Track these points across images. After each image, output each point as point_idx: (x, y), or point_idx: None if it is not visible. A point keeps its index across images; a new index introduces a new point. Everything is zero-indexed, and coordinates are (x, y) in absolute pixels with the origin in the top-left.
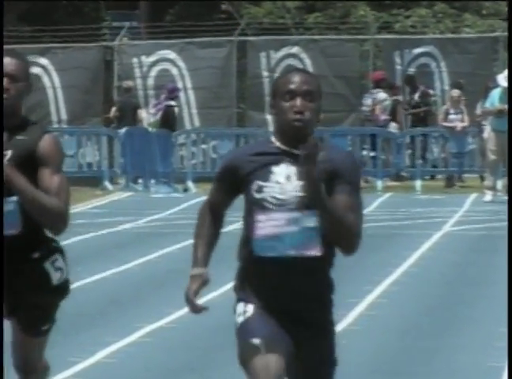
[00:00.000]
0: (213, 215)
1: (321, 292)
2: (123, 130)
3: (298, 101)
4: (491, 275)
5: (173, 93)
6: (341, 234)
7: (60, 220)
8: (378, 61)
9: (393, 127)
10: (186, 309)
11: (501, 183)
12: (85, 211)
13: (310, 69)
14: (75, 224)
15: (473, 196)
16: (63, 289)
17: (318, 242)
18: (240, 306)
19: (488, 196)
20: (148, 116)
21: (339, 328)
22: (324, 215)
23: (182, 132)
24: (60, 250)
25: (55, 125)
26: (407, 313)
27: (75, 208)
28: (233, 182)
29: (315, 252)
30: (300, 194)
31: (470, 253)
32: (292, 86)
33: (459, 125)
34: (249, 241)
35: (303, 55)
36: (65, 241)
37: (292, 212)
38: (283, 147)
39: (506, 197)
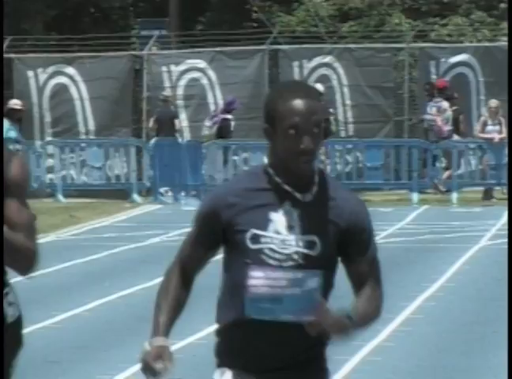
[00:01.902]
0: (183, 276)
1: (313, 355)
2: (152, 141)
3: (306, 140)
4: None
5: (230, 106)
6: (373, 320)
7: (33, 261)
8: (413, 70)
9: (456, 139)
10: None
11: None
12: (113, 224)
13: (343, 78)
14: (103, 238)
15: None
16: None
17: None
18: (217, 374)
19: None
20: (204, 128)
21: (374, 343)
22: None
23: (212, 143)
24: (8, 284)
25: (83, 136)
26: (442, 330)
27: (103, 222)
28: (217, 230)
29: (311, 318)
30: (303, 250)
31: (508, 268)
32: (298, 119)
33: (497, 136)
34: (236, 297)
35: (337, 65)
36: (94, 256)
37: (295, 272)
38: (284, 186)
39: None
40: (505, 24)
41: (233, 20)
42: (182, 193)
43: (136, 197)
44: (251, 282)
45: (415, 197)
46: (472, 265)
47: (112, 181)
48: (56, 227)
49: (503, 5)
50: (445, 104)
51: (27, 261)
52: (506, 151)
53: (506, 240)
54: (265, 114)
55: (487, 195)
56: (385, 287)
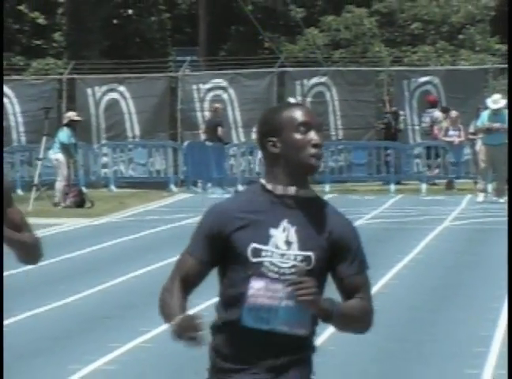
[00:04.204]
0: (184, 291)
1: (303, 373)
2: (186, 143)
3: (315, 134)
4: (483, 260)
5: None
6: (356, 327)
7: (40, 251)
8: (390, 88)
9: None
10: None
11: (491, 186)
12: (155, 209)
13: (335, 94)
14: (146, 220)
15: (468, 197)
16: None
17: (308, 320)
18: None
19: (480, 197)
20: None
21: None
22: (340, 323)
23: (232, 145)
24: None
25: (130, 140)
26: (414, 292)
27: (147, 207)
28: (218, 244)
29: (305, 331)
30: (300, 264)
31: (466, 243)
32: (307, 118)
33: (456, 139)
34: (234, 304)
35: (330, 83)
36: (139, 234)
37: (288, 287)
38: (281, 192)
39: (495, 198)
40: (462, 51)
41: (249, 48)
42: (209, 184)
43: (173, 187)
44: (251, 292)
45: (392, 187)
46: (437, 241)
47: (154, 175)
48: (109, 211)
49: (461, 36)
50: (437, 114)
51: (40, 251)
52: (464, 151)
53: (464, 221)
54: (267, 130)
55: (449, 186)
56: (368, 259)
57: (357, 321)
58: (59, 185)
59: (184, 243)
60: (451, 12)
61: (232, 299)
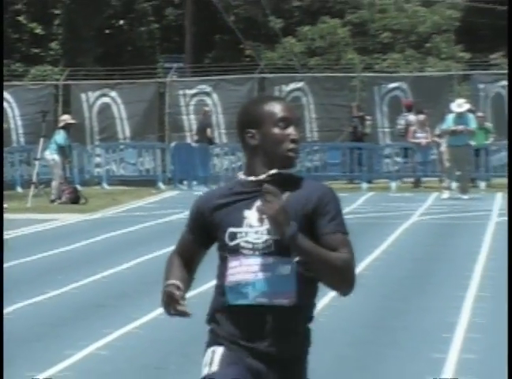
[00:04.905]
0: (183, 262)
1: (294, 345)
2: (173, 144)
3: (293, 129)
4: (448, 253)
5: None
6: (333, 274)
7: None
8: (362, 93)
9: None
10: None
11: (455, 184)
12: (144, 205)
13: (311, 99)
14: (136, 215)
15: (434, 194)
16: None
17: (293, 291)
18: (207, 355)
19: (445, 194)
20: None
21: (331, 294)
22: (307, 259)
23: (216, 146)
24: None
25: (121, 141)
26: (385, 282)
27: (137, 203)
28: (204, 229)
29: (288, 302)
30: (274, 238)
31: (433, 237)
32: (287, 113)
33: (423, 141)
34: (222, 289)
35: (306, 88)
36: (130, 228)
37: (266, 258)
38: (258, 177)
39: (459, 195)
40: (429, 59)
41: (231, 55)
42: (195, 182)
43: (161, 185)
44: (229, 271)
45: (364, 185)
46: (406, 235)
47: (143, 173)
48: (102, 207)
49: (428, 45)
50: (412, 117)
51: None
52: (430, 151)
53: (431, 217)
54: (247, 121)
55: (417, 184)
56: None
57: (335, 269)
58: (55, 183)
59: (171, 237)
60: (419, 22)
61: (219, 283)
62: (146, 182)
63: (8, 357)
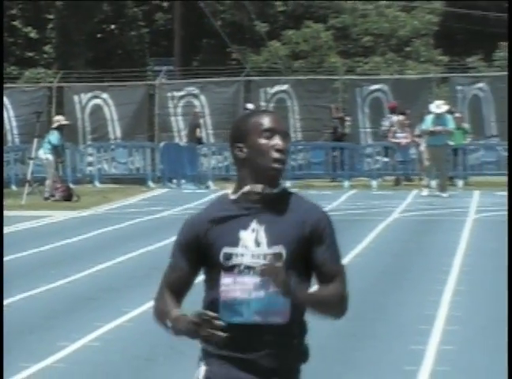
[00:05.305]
0: (175, 298)
1: (287, 358)
2: (162, 144)
3: (279, 139)
4: (427, 248)
5: None
6: (330, 311)
7: None
8: (344, 95)
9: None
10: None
11: (434, 182)
12: (134, 202)
13: (295, 100)
14: (127, 212)
15: (414, 192)
16: None
17: (286, 310)
18: (198, 371)
19: (425, 191)
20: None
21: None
22: (306, 307)
23: (204, 146)
24: None
25: (112, 141)
26: (366, 277)
27: (127, 201)
28: (198, 253)
29: (282, 320)
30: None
31: (412, 233)
32: (272, 124)
33: (403, 141)
34: (213, 306)
35: (291, 90)
36: (121, 224)
37: (260, 277)
38: (248, 189)
39: (438, 193)
40: (409, 62)
41: (218, 59)
42: (183, 181)
43: (150, 183)
44: (222, 288)
45: (346, 183)
46: (387, 231)
47: (133, 172)
48: (94, 204)
49: (408, 49)
50: (395, 118)
51: None
52: (410, 151)
53: (411, 213)
54: (236, 136)
55: (397, 182)
56: None
57: (331, 307)
58: (49, 181)
59: (160, 233)
60: (399, 26)
61: (211, 302)
62: (136, 181)
63: (7, 347)
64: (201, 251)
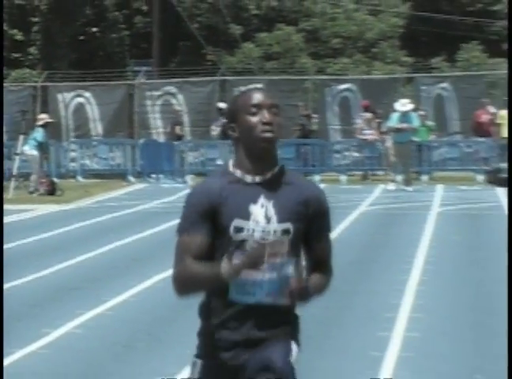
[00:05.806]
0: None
1: (284, 330)
2: (141, 141)
3: (265, 113)
4: (393, 240)
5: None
6: (323, 293)
7: None
8: (315, 94)
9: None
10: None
11: (399, 177)
12: (115, 196)
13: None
14: (108, 206)
15: (381, 186)
16: None
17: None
18: (192, 365)
19: (391, 186)
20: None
21: None
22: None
23: (181, 142)
24: None
25: (94, 138)
26: (335, 267)
27: (108, 195)
28: (213, 220)
29: (286, 300)
30: (280, 238)
31: (379, 225)
32: (257, 100)
33: (370, 137)
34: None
35: (263, 90)
36: (102, 217)
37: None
38: (249, 177)
39: (403, 187)
40: (376, 62)
41: (195, 60)
42: (161, 176)
43: (131, 178)
44: None
45: (316, 178)
46: (355, 224)
47: (114, 167)
48: (77, 198)
49: (375, 50)
50: (368, 116)
51: None
52: (376, 147)
53: (377, 207)
54: (229, 116)
55: (364, 177)
56: None
57: (322, 292)
58: (34, 176)
59: (140, 225)
60: (366, 29)
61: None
62: (117, 176)
63: None
64: (213, 218)
